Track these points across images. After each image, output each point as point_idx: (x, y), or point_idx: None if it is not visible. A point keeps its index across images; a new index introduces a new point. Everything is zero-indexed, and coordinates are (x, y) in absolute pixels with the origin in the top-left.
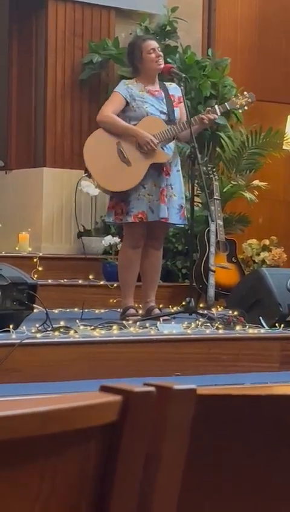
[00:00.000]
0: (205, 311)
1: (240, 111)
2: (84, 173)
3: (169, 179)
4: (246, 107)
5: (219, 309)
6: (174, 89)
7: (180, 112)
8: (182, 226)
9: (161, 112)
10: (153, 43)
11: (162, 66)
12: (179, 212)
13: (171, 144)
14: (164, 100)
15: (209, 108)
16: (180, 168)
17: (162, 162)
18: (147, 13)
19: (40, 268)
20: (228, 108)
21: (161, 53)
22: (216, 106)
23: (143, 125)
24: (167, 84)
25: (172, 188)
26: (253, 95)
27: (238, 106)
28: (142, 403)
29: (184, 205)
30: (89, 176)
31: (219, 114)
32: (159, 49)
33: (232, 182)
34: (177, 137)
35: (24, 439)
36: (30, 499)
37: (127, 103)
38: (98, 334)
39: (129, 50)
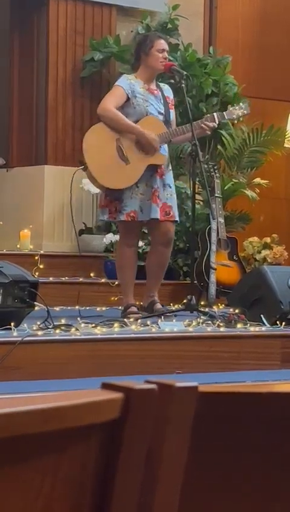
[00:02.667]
0: (206, 309)
1: (235, 121)
2: (80, 166)
3: (166, 179)
4: (241, 119)
5: (220, 307)
6: (168, 91)
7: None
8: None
9: (159, 113)
10: (165, 44)
11: (163, 69)
12: (177, 209)
13: (165, 145)
14: (162, 100)
15: (208, 116)
16: (171, 167)
17: (159, 164)
18: (148, 11)
19: (41, 266)
20: (226, 118)
21: (167, 56)
22: (215, 114)
23: (144, 124)
24: (161, 84)
25: (170, 187)
26: (248, 106)
27: (235, 117)
28: (143, 401)
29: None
30: (85, 169)
31: (217, 122)
32: (168, 52)
33: (233, 179)
34: (172, 140)
35: (25, 436)
36: (32, 496)
37: (128, 99)
38: (99, 331)
39: (141, 39)
